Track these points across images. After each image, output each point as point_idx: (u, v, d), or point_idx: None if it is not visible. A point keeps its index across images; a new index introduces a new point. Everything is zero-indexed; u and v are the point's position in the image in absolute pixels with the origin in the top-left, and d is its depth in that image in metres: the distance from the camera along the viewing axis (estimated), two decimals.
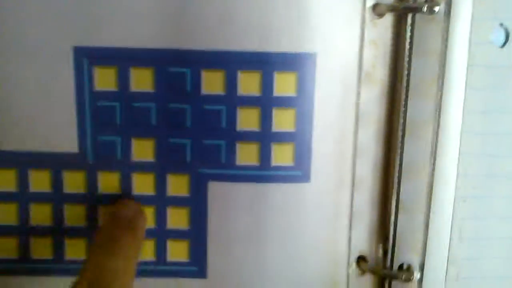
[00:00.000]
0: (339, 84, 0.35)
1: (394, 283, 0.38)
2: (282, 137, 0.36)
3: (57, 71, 0.34)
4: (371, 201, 0.37)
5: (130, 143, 0.36)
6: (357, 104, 0.36)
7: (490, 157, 0.35)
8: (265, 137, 0.35)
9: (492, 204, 0.36)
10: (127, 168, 0.36)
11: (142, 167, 0.36)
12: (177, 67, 0.35)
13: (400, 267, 0.37)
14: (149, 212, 0.36)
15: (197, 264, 0.37)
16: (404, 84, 0.35)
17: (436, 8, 0.34)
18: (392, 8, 0.34)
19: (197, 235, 0.37)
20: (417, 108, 0.35)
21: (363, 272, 0.38)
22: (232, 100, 0.35)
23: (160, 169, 0.36)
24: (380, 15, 0.35)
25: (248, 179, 0.36)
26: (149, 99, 0.35)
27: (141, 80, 0.35)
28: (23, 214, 0.36)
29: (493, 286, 0.37)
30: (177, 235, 0.37)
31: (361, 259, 0.38)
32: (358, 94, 0.36)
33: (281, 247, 0.37)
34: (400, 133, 0.35)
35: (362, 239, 0.37)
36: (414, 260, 0.37)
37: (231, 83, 0.35)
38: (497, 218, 0.36)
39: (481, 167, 0.36)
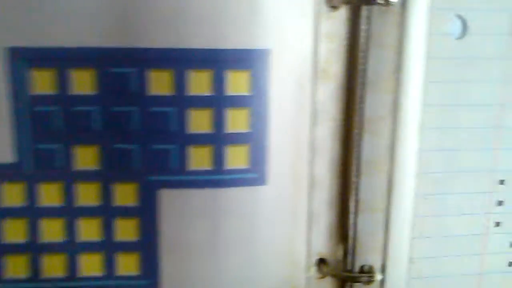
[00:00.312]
0: (294, 81, 0.34)
1: (355, 285, 0.36)
2: (236, 139, 0.34)
3: None
4: (329, 201, 0.36)
5: (72, 150, 0.33)
6: (313, 102, 0.34)
7: (450, 152, 0.35)
8: (218, 140, 0.34)
9: (452, 200, 0.35)
10: (69, 177, 0.33)
11: (86, 176, 0.34)
12: (122, 67, 0.33)
13: (361, 268, 0.36)
14: (95, 224, 0.34)
15: (149, 277, 0.35)
16: (360, 79, 0.34)
17: (394, 1, 0.33)
18: (347, 1, 0.33)
19: (147, 247, 0.35)
20: (374, 104, 0.34)
21: (323, 275, 0.37)
22: (181, 101, 0.33)
23: (105, 177, 0.34)
24: (335, 7, 0.34)
25: (201, 184, 0.34)
26: (92, 103, 0.33)
27: (83, 82, 0.33)
28: None
29: (456, 284, 0.37)
30: (126, 247, 0.35)
31: (321, 262, 0.37)
32: (314, 91, 0.34)
33: (238, 253, 0.35)
34: (357, 130, 0.34)
35: (321, 241, 0.36)
36: (375, 260, 0.36)
37: (180, 83, 0.33)
38: (457, 214, 0.36)
39: (441, 163, 0.35)
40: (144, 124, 0.33)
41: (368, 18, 0.33)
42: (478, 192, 0.36)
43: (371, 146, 0.35)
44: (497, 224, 0.37)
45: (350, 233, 0.36)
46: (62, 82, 0.33)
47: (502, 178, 0.36)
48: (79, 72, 0.33)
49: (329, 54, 0.34)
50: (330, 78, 0.34)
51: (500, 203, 0.36)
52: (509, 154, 0.36)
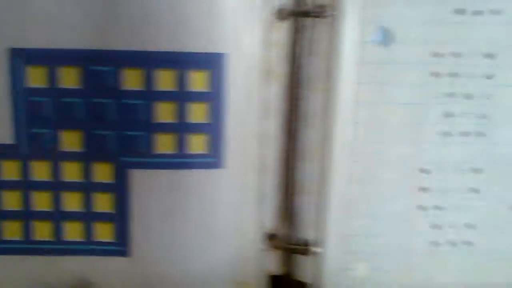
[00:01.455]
0: (247, 80, 0.40)
1: (298, 257, 0.42)
2: (196, 128, 0.40)
3: None
4: (276, 184, 0.41)
5: (60, 134, 0.40)
6: (263, 99, 0.40)
7: (379, 144, 0.40)
8: (180, 128, 0.40)
9: (381, 185, 0.41)
10: (57, 157, 0.40)
11: (71, 156, 0.40)
12: (101, 66, 0.39)
13: (303, 242, 0.42)
14: (77, 197, 0.40)
15: (122, 244, 0.41)
16: (301, 80, 0.39)
17: (328, 13, 0.38)
18: (291, 13, 0.39)
19: (121, 217, 0.41)
20: (313, 101, 0.40)
21: (271, 248, 0.42)
22: (150, 95, 0.39)
23: (86, 158, 0.40)
24: (282, 19, 0.39)
25: (166, 166, 0.40)
26: (76, 95, 0.39)
27: (69, 78, 0.39)
28: None
29: (387, 258, 0.42)
30: (103, 217, 0.41)
31: (269, 236, 0.42)
32: (264, 89, 0.40)
33: (197, 226, 0.41)
34: (299, 123, 0.40)
35: (270, 218, 0.42)
36: (315, 236, 0.42)
37: (149, 80, 0.39)
38: (386, 198, 0.41)
39: (372, 153, 0.40)
40: (119, 114, 0.39)
41: (309, 28, 0.39)
42: (403, 179, 0.41)
43: (311, 137, 0.40)
44: (421, 207, 0.42)
45: (294, 211, 0.42)
46: (53, 77, 0.39)
47: (425, 167, 0.41)
48: (66, 70, 0.39)
49: (277, 59, 0.40)
50: (277, 79, 0.40)
51: (423, 189, 0.41)
52: (429, 146, 0.41)
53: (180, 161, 0.40)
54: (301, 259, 0.42)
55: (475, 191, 0.41)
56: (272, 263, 0.43)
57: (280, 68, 0.40)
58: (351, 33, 0.39)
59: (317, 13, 0.38)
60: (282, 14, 0.39)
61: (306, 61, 0.39)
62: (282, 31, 0.40)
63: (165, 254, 0.41)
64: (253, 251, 0.42)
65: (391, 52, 0.39)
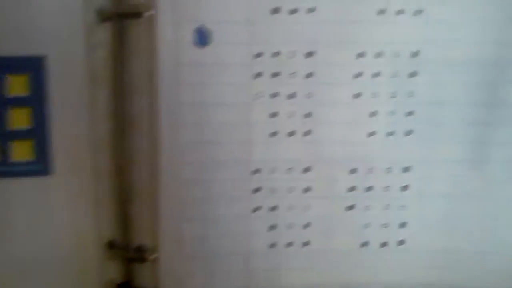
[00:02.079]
0: (72, 84, 0.39)
1: (138, 264, 0.41)
2: (19, 135, 0.39)
3: None
4: (110, 191, 0.40)
5: None
6: (91, 103, 0.39)
7: (209, 144, 0.40)
8: (2, 136, 0.38)
9: (213, 187, 0.40)
10: None
11: None
12: None
13: (138, 248, 0.41)
14: None
15: None
16: (125, 83, 0.39)
17: (145, 14, 0.38)
18: (111, 14, 0.38)
19: None
20: (139, 104, 0.39)
21: (111, 256, 0.41)
22: None
23: None
24: (104, 20, 0.38)
25: None
26: None
27: None
28: None
29: (225, 262, 0.42)
30: None
31: (109, 245, 0.41)
32: (91, 93, 0.39)
33: (28, 239, 0.40)
34: (127, 128, 0.39)
35: (107, 226, 0.41)
36: (149, 242, 0.41)
37: None
38: (220, 199, 0.41)
39: (203, 154, 0.40)
40: None
41: (128, 29, 0.38)
42: (236, 180, 0.41)
43: (141, 140, 0.40)
44: (256, 208, 0.41)
45: (129, 218, 0.41)
46: None
47: (257, 168, 0.41)
48: None
49: (101, 61, 0.39)
50: (103, 82, 0.39)
51: (256, 190, 0.41)
52: (258, 147, 0.40)
53: (3, 169, 0.39)
54: (140, 266, 0.41)
55: (308, 190, 0.40)
56: (113, 272, 0.42)
57: (106, 71, 0.39)
58: (169, 33, 0.38)
59: (135, 14, 0.38)
60: (102, 16, 0.38)
61: (129, 63, 0.38)
62: (104, 32, 0.39)
63: None
64: (92, 260, 0.41)
65: (212, 53, 0.38)
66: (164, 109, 0.39)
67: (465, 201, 0.41)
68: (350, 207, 0.41)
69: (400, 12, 0.38)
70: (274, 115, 0.40)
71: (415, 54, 0.39)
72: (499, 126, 0.39)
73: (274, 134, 0.40)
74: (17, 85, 0.38)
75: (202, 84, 0.39)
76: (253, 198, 0.41)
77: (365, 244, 0.42)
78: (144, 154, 0.40)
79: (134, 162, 0.40)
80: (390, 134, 0.40)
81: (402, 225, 0.41)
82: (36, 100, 0.39)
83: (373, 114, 0.40)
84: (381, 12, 0.38)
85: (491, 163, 0.40)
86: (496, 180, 0.40)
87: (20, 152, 0.39)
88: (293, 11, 0.38)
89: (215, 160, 0.40)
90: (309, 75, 0.39)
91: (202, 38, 0.38)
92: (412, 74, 0.39)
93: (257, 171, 0.40)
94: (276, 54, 0.39)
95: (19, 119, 0.39)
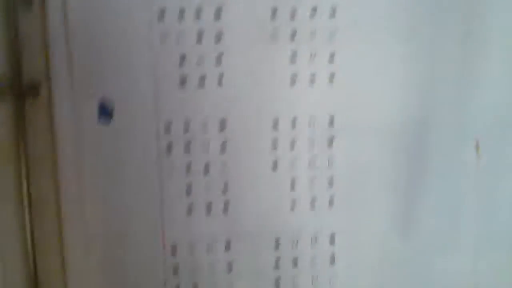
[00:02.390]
0: None
1: None
2: None
3: None
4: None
5: None
6: None
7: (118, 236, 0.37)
8: None
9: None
10: None
11: None
12: None
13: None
14: None
15: None
16: (24, 160, 0.36)
17: (41, 92, 0.36)
18: (7, 93, 0.36)
19: None
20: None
21: None
22: None
23: None
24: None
25: None
26: None
27: None
28: None
29: None
30: None
31: None
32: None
33: None
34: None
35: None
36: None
37: None
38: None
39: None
40: None
41: (27, 108, 0.36)
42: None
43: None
44: None
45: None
46: None
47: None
48: None
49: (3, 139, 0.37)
50: (7, 159, 0.37)
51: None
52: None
53: None
54: None
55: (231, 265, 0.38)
56: None
57: (8, 148, 0.36)
58: (67, 111, 0.36)
59: (32, 91, 0.35)
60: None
61: (30, 142, 0.36)
62: (5, 111, 0.36)
63: None
64: None
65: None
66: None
67: (394, 271, 0.39)
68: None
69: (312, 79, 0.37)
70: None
71: (331, 120, 0.37)
72: (423, 193, 0.38)
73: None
74: None
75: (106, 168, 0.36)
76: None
77: None
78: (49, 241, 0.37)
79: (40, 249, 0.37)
80: (313, 202, 0.38)
81: None
82: None
83: (293, 183, 0.38)
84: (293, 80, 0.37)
85: (418, 231, 0.38)
86: (425, 250, 0.38)
87: None
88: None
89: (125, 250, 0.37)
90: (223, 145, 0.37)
91: (105, 113, 0.36)
92: (330, 140, 0.37)
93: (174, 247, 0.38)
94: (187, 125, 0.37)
95: None
